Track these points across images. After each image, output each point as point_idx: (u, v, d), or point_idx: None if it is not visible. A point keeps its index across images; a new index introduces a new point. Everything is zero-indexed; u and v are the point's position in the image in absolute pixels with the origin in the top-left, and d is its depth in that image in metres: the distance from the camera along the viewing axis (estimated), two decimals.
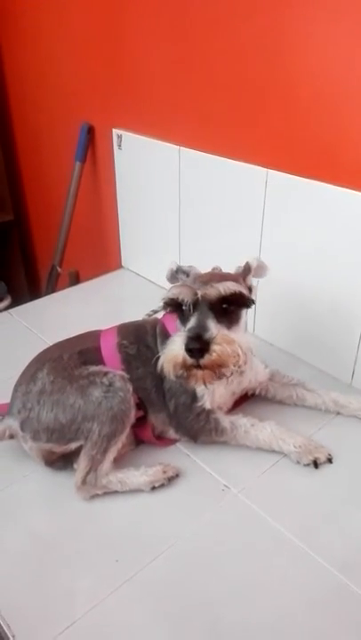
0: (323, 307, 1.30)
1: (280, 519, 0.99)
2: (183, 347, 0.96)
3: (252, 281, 1.10)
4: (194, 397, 1.12)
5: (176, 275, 1.12)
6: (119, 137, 1.68)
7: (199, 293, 0.99)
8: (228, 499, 1.04)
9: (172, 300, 1.02)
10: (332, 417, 1.22)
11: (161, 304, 1.07)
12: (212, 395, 1.12)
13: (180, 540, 0.97)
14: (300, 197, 1.25)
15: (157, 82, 1.52)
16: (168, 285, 1.09)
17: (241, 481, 1.07)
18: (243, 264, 1.11)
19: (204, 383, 1.01)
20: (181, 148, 1.49)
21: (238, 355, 0.98)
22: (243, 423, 1.12)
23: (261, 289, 1.15)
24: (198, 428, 1.13)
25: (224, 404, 1.17)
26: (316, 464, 1.09)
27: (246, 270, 1.10)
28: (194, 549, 0.95)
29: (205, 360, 0.96)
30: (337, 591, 0.88)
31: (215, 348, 0.95)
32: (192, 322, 0.99)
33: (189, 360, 0.96)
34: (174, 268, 1.13)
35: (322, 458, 1.09)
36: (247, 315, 1.10)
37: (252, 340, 1.04)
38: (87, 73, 1.75)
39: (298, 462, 1.10)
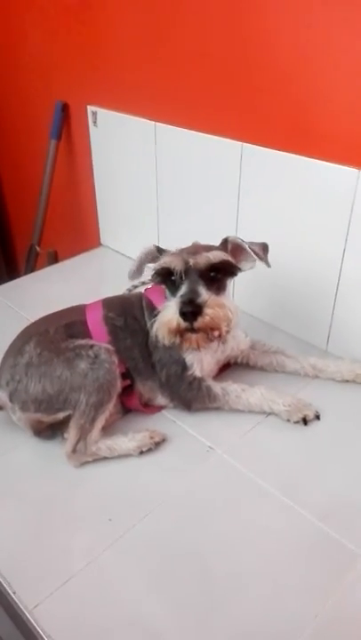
0: (298, 277, 1.35)
1: (263, 475, 1.05)
2: (177, 311, 1.02)
3: (247, 265, 1.14)
4: (184, 367, 1.16)
5: (156, 257, 1.13)
6: (94, 114, 1.69)
7: (191, 261, 1.05)
8: (213, 459, 1.09)
9: (163, 268, 1.07)
10: (311, 380, 1.27)
11: (151, 274, 1.11)
12: (201, 363, 1.17)
13: (169, 498, 1.02)
14: (274, 170, 1.28)
15: (131, 58, 1.52)
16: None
17: (225, 442, 1.12)
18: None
19: (198, 346, 1.07)
20: (157, 123, 1.50)
21: (229, 317, 1.04)
22: (234, 389, 1.18)
23: None
24: (192, 396, 1.18)
25: (211, 371, 1.22)
26: (305, 421, 1.16)
27: (225, 244, 1.14)
28: (182, 506, 1.00)
29: (199, 323, 1.02)
30: (318, 539, 0.94)
31: (208, 311, 1.01)
32: (184, 288, 1.04)
33: (183, 324, 1.02)
34: (153, 249, 1.15)
35: (310, 415, 1.16)
36: (231, 284, 1.15)
37: (236, 306, 1.10)
38: (60, 50, 1.74)
39: (288, 420, 1.16)
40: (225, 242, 1.13)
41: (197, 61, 1.36)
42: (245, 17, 1.22)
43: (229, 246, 1.13)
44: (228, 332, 1.06)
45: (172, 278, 1.07)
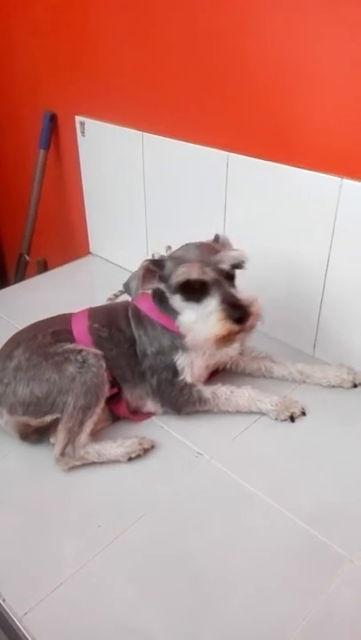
0: (284, 284, 1.37)
1: (251, 480, 1.06)
2: (225, 317, 1.03)
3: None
4: (175, 372, 1.17)
5: (153, 270, 1.13)
6: (82, 124, 1.70)
7: (219, 266, 1.06)
8: (201, 465, 1.10)
9: (188, 281, 1.06)
10: (298, 385, 1.29)
11: (173, 286, 1.09)
12: (192, 368, 1.18)
13: (158, 504, 1.02)
14: (260, 179, 1.30)
15: (118, 69, 1.54)
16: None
17: (213, 448, 1.13)
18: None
19: (241, 342, 1.12)
20: (144, 133, 1.52)
21: (261, 309, 1.07)
22: (223, 391, 1.19)
23: None
24: (183, 401, 1.19)
25: (201, 376, 1.23)
26: (292, 419, 1.18)
27: (216, 240, 1.18)
28: (171, 512, 1.01)
29: (250, 322, 1.05)
30: (306, 542, 0.95)
31: (252, 310, 1.05)
32: (218, 294, 1.05)
33: (236, 328, 1.04)
34: (149, 265, 1.13)
35: (297, 412, 1.19)
36: None
37: None
38: (48, 61, 1.76)
39: (276, 419, 1.18)
40: (217, 238, 1.18)
41: (185, 73, 1.39)
42: (231, 30, 1.25)
43: (220, 242, 1.17)
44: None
45: (194, 287, 1.07)
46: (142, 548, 0.95)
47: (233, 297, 1.05)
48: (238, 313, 1.03)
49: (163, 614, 0.85)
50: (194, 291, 1.07)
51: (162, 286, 1.13)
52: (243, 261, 1.09)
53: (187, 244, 1.15)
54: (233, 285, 1.09)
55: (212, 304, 1.05)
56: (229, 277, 1.09)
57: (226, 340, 1.06)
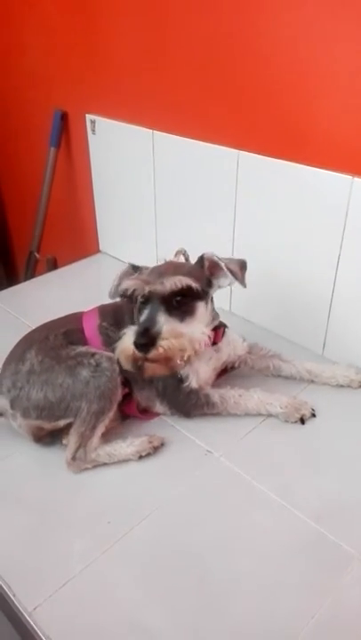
0: (294, 282, 1.36)
1: (260, 478, 1.06)
2: (132, 340, 1.00)
3: (225, 281, 1.12)
4: (180, 379, 1.16)
5: (132, 274, 1.12)
6: (92, 122, 1.71)
7: (148, 289, 1.02)
8: (211, 463, 1.11)
9: (124, 291, 1.06)
10: (306, 385, 1.29)
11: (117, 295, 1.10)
12: (197, 374, 1.18)
13: (168, 501, 1.03)
14: (270, 177, 1.30)
15: (130, 67, 1.55)
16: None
17: (222, 446, 1.14)
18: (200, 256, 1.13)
19: (155, 375, 1.07)
20: (155, 131, 1.52)
21: (185, 348, 1.02)
22: (231, 395, 1.19)
23: None
24: (190, 405, 1.19)
25: (208, 379, 1.23)
26: (302, 420, 1.18)
27: (201, 261, 1.12)
28: (180, 509, 1.02)
29: (152, 354, 1.00)
30: (315, 540, 0.95)
31: (162, 343, 0.99)
32: (143, 316, 1.03)
33: (138, 354, 1.01)
34: (128, 269, 1.14)
35: (307, 414, 1.18)
36: (210, 304, 1.14)
37: (206, 331, 1.10)
38: (59, 59, 1.76)
39: (286, 421, 1.18)
40: (201, 259, 1.11)
41: (195, 70, 1.38)
42: (242, 27, 1.25)
43: (206, 263, 1.11)
44: (187, 360, 1.04)
45: (139, 300, 1.05)
46: (150, 545, 0.96)
47: (149, 322, 1.00)
48: (141, 340, 0.99)
49: (170, 612, 0.86)
50: (137, 305, 1.06)
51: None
52: (180, 289, 1.02)
53: (166, 262, 1.13)
54: (179, 314, 1.04)
55: (138, 320, 1.04)
56: (177, 303, 1.03)
57: (133, 362, 1.02)
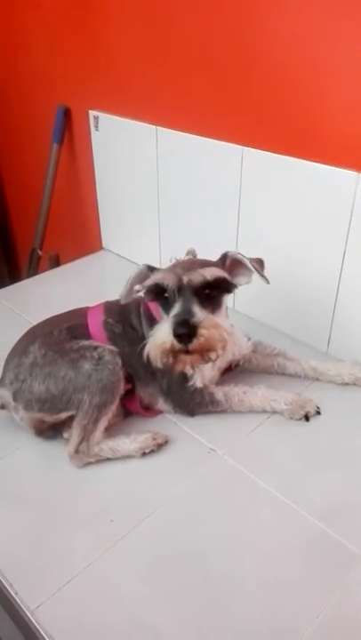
0: (299, 279, 1.35)
1: (264, 476, 1.05)
2: (171, 332, 0.98)
3: (243, 280, 1.12)
4: (185, 377, 1.16)
5: (148, 277, 1.09)
6: (96, 118, 1.70)
7: (185, 279, 1.01)
8: (214, 460, 1.10)
9: (156, 285, 1.04)
10: (311, 383, 1.28)
11: (142, 290, 1.09)
12: (202, 373, 1.17)
13: (171, 499, 1.02)
14: (275, 173, 1.29)
15: (133, 62, 1.54)
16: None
17: (226, 444, 1.13)
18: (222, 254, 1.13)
19: (192, 367, 1.06)
20: (158, 127, 1.51)
21: (225, 338, 1.01)
22: (235, 392, 1.18)
23: None
24: (194, 404, 1.18)
25: (213, 377, 1.22)
26: (307, 417, 1.17)
27: (223, 259, 1.11)
28: (183, 507, 1.01)
29: (194, 344, 0.98)
30: (319, 539, 0.94)
31: (203, 332, 0.98)
32: (178, 307, 1.01)
33: (178, 345, 0.98)
34: (144, 269, 1.10)
35: (312, 411, 1.18)
36: (227, 300, 1.13)
37: (231, 324, 1.11)
38: (62, 54, 1.75)
39: (291, 418, 1.17)
40: (224, 256, 1.11)
41: (199, 66, 1.37)
42: (246, 21, 1.23)
43: (228, 261, 1.10)
44: (223, 352, 1.03)
45: (165, 295, 1.03)
46: (154, 543, 0.95)
47: (187, 313, 0.98)
48: (182, 330, 0.97)
49: (173, 610, 0.85)
50: (164, 299, 1.04)
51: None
52: (215, 280, 1.02)
53: (187, 258, 1.12)
54: (209, 306, 1.03)
55: (169, 315, 1.02)
56: (206, 296, 1.03)
57: (171, 356, 1.00)
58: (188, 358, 1.02)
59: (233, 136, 1.35)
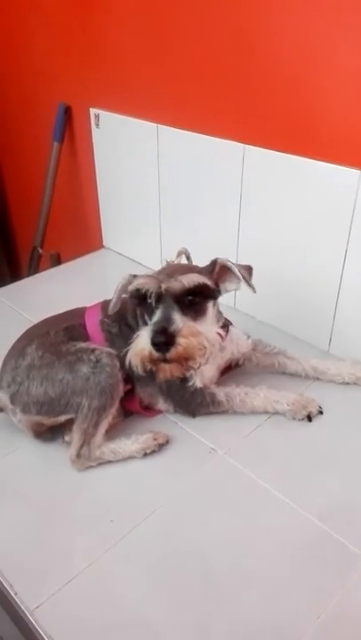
0: (300, 278, 1.35)
1: (264, 476, 1.05)
2: (149, 341, 0.97)
3: (232, 286, 1.10)
4: (184, 378, 1.15)
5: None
6: (96, 116, 1.69)
7: (163, 286, 1.00)
8: (215, 460, 1.09)
9: (137, 290, 1.03)
10: (311, 382, 1.27)
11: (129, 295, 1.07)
12: (201, 373, 1.16)
13: (171, 499, 1.02)
14: (276, 171, 1.28)
15: (133, 60, 1.53)
16: (149, 265, 1.09)
17: (227, 444, 1.13)
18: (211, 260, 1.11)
19: (172, 376, 1.04)
20: (159, 125, 1.51)
21: (204, 347, 1.00)
22: (237, 393, 1.18)
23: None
24: (195, 404, 1.18)
25: (213, 377, 1.22)
26: (309, 418, 1.17)
27: (213, 265, 1.09)
28: (184, 507, 1.01)
29: (172, 353, 0.97)
30: (320, 540, 0.94)
31: (181, 340, 0.97)
32: (157, 315, 1.00)
33: (156, 354, 0.97)
34: (130, 278, 1.08)
35: (314, 411, 1.17)
36: (216, 305, 1.13)
37: (218, 331, 1.09)
38: (63, 52, 1.75)
39: (293, 418, 1.17)
40: (214, 263, 1.09)
41: (199, 64, 1.37)
42: (247, 19, 1.23)
43: (217, 267, 1.09)
44: (206, 361, 1.02)
45: (148, 301, 1.02)
46: (154, 543, 0.95)
47: (166, 321, 0.97)
48: (159, 338, 0.96)
49: (174, 610, 0.85)
50: (147, 305, 1.03)
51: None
52: (195, 287, 1.00)
53: (174, 263, 1.11)
54: (191, 313, 1.01)
55: (150, 320, 1.01)
56: (189, 302, 1.01)
57: (150, 363, 0.99)
58: (167, 367, 1.01)
59: (234, 134, 1.34)
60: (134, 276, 1.08)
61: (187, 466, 1.09)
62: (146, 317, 1.06)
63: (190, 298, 1.02)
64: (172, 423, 1.19)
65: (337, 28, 1.09)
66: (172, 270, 1.05)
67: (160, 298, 1.00)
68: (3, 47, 1.97)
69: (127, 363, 1.02)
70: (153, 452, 1.10)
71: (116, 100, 1.63)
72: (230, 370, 1.30)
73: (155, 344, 0.97)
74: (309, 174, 1.22)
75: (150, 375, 1.16)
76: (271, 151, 1.27)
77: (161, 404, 1.21)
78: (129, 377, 1.16)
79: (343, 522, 0.96)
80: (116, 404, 1.11)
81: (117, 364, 1.10)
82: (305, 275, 1.33)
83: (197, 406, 1.18)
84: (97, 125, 1.71)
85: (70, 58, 1.73)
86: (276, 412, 1.18)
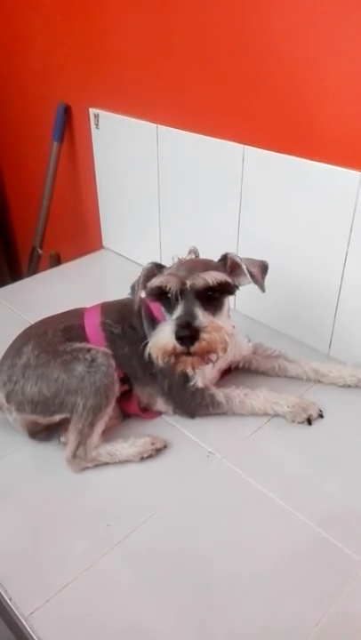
0: (300, 280, 1.34)
1: (263, 481, 1.04)
2: (173, 335, 0.99)
3: (244, 281, 1.11)
4: (186, 378, 1.15)
5: (156, 273, 1.09)
6: (96, 116, 1.69)
7: (188, 283, 1.01)
8: (213, 464, 1.08)
9: (158, 288, 1.04)
10: (312, 385, 1.26)
11: (144, 291, 1.09)
12: (203, 373, 1.16)
13: (169, 503, 1.01)
14: (276, 172, 1.27)
15: (133, 60, 1.52)
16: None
17: (225, 447, 1.12)
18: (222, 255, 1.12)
19: (193, 368, 1.06)
20: (159, 126, 1.50)
21: (226, 341, 1.02)
22: (237, 394, 1.17)
23: None
24: (195, 405, 1.17)
25: (213, 379, 1.22)
26: (309, 421, 1.16)
27: (224, 260, 1.11)
28: (181, 512, 0.99)
29: (196, 347, 0.99)
30: (318, 545, 0.93)
31: (205, 335, 0.99)
32: (180, 310, 1.01)
33: (179, 348, 1.00)
34: (152, 267, 1.10)
35: (314, 414, 1.16)
36: (228, 300, 1.13)
37: (233, 325, 1.11)
38: (62, 52, 1.74)
39: (293, 421, 1.16)
40: (225, 258, 1.10)
41: (199, 64, 1.36)
42: (247, 20, 1.22)
43: (228, 262, 1.10)
44: (223, 353, 1.04)
45: (168, 296, 1.04)
46: (151, 548, 0.94)
47: (189, 316, 0.99)
48: (184, 332, 0.98)
49: (171, 616, 0.84)
50: (168, 301, 1.04)
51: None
52: (218, 284, 1.02)
53: (190, 259, 1.12)
54: (211, 308, 1.03)
55: (171, 317, 1.03)
56: (208, 298, 1.03)
57: (173, 357, 1.01)
58: (189, 360, 1.03)
59: (234, 135, 1.33)
60: (157, 266, 1.10)
61: (185, 470, 1.08)
62: (164, 312, 1.07)
63: (210, 293, 1.04)
64: (170, 426, 1.18)
65: (338, 27, 1.08)
66: (190, 266, 1.06)
67: (182, 294, 1.02)
68: (3, 47, 1.96)
69: (147, 354, 1.04)
70: (150, 456, 1.09)
71: (116, 100, 1.62)
72: (230, 372, 1.29)
73: (179, 338, 0.98)
74: (309, 175, 1.21)
75: (152, 375, 1.17)
76: (271, 152, 1.26)
77: (160, 404, 1.20)
78: (126, 378, 1.15)
79: (343, 528, 0.95)
80: (112, 404, 1.10)
81: (113, 364, 1.10)
82: (305, 277, 1.32)
83: (197, 407, 1.17)
84: (97, 125, 1.70)
85: (70, 58, 1.72)
86: (276, 415, 1.17)
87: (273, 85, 1.23)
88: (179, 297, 1.02)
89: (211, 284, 1.02)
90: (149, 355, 1.04)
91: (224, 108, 1.35)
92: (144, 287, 1.10)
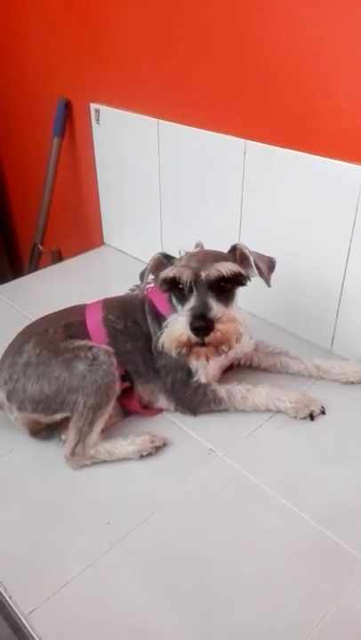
0: (302, 276, 1.32)
1: (264, 478, 1.03)
2: (188, 326, 0.99)
3: (253, 273, 1.11)
4: (189, 373, 1.15)
5: (164, 263, 1.10)
6: (97, 111, 1.67)
7: (202, 274, 1.01)
8: (214, 462, 1.08)
9: (172, 279, 1.04)
10: (315, 381, 1.25)
11: (157, 282, 1.09)
12: (206, 369, 1.16)
13: (169, 501, 1.00)
14: (278, 167, 1.26)
15: (134, 55, 1.51)
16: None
17: (226, 445, 1.11)
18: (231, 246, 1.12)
19: (207, 359, 1.06)
20: (160, 121, 1.49)
21: (240, 331, 1.02)
22: (238, 390, 1.17)
23: None
24: (197, 401, 1.17)
25: (215, 375, 1.21)
26: (312, 417, 1.15)
27: (233, 251, 1.11)
28: (182, 510, 0.99)
29: (210, 338, 1.00)
30: (320, 544, 0.92)
31: (220, 326, 1.00)
32: (194, 301, 1.02)
33: (194, 338, 1.00)
34: (160, 258, 1.11)
35: (317, 410, 1.16)
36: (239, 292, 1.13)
37: (245, 316, 1.10)
38: (63, 47, 1.72)
39: (295, 417, 1.15)
40: (234, 249, 1.10)
41: (201, 58, 1.34)
42: (249, 13, 1.20)
43: (237, 253, 1.10)
44: (237, 344, 1.05)
45: (180, 287, 1.04)
46: (152, 546, 0.93)
47: (204, 307, 1.00)
48: (199, 323, 0.98)
49: (171, 615, 0.83)
50: (180, 292, 1.05)
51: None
52: (233, 274, 1.03)
53: (201, 250, 1.12)
54: (224, 299, 1.04)
55: (184, 308, 1.03)
56: (220, 289, 1.04)
57: (187, 348, 1.02)
58: (203, 350, 1.03)
59: (235, 129, 1.32)
60: (165, 257, 1.10)
61: (185, 467, 1.07)
62: (175, 302, 1.08)
63: (223, 285, 1.04)
64: (170, 423, 1.17)
65: (343, 18, 1.06)
66: (202, 257, 1.06)
67: (196, 285, 1.02)
68: (2, 43, 1.95)
69: (160, 345, 1.04)
70: (149, 454, 1.09)
71: (117, 94, 1.61)
72: (231, 369, 1.29)
73: (195, 329, 0.99)
74: (312, 170, 1.20)
75: (154, 371, 1.17)
76: (273, 146, 1.25)
77: (162, 401, 1.20)
78: (127, 374, 1.15)
79: (344, 526, 0.94)
80: (112, 403, 1.10)
81: (114, 362, 1.09)
82: (307, 272, 1.31)
83: (199, 403, 1.17)
84: (97, 120, 1.69)
85: (70, 53, 1.71)
86: (278, 411, 1.16)
87: (276, 79, 1.21)
88: (193, 288, 1.02)
89: (225, 274, 1.02)
90: (156, 347, 1.04)
91: (226, 102, 1.33)
92: (155, 276, 1.10)
